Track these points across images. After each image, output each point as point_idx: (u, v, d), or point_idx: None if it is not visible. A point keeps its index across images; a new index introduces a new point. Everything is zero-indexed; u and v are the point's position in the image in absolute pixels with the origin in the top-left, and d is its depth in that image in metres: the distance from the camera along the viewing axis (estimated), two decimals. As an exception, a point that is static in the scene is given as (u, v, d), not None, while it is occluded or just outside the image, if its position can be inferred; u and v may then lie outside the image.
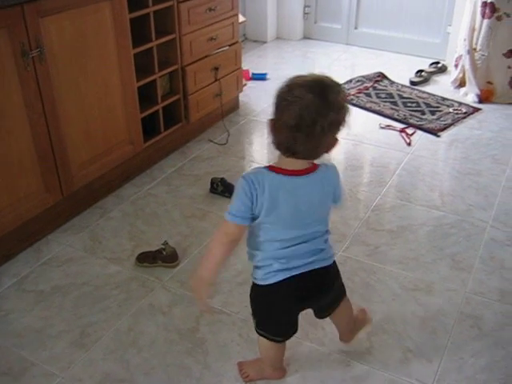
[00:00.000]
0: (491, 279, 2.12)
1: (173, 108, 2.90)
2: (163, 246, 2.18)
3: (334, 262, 1.54)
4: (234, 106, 3.52)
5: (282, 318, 1.55)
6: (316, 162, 1.38)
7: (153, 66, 2.65)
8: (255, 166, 2.97)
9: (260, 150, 3.19)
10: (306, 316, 1.65)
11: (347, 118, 1.29)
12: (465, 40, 3.64)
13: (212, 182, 2.66)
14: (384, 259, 2.22)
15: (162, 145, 2.90)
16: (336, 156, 2.97)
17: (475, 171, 2.87)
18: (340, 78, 3.74)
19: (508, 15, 3.43)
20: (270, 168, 1.34)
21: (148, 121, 2.72)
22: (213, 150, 3.08)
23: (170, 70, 2.77)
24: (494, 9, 3.44)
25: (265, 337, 1.57)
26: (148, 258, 2.17)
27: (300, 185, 1.33)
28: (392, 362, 1.77)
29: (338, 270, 1.58)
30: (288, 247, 1.39)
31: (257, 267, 1.46)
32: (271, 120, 1.30)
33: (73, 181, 2.33)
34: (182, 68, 2.84)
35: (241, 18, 3.26)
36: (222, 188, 2.63)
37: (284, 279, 1.41)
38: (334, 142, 1.32)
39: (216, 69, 3.07)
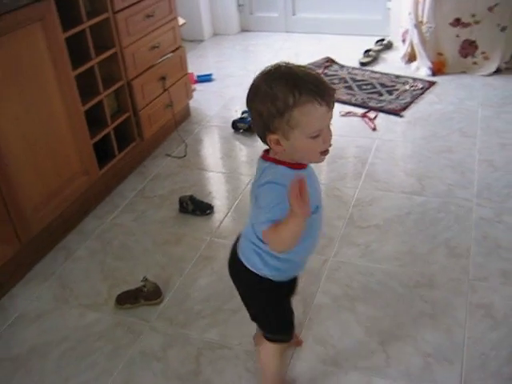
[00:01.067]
0: (491, 261, 2.04)
1: (124, 127, 2.67)
2: (143, 283, 1.99)
3: (249, 274, 1.36)
4: (186, 114, 3.32)
5: None
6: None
7: (97, 85, 2.42)
8: (219, 176, 2.80)
9: (221, 157, 3.00)
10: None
11: (271, 110, 1.13)
12: (410, 14, 3.56)
13: (181, 202, 2.47)
14: (378, 258, 2.11)
15: (117, 168, 2.67)
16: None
17: (446, 148, 2.79)
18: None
19: (450, -16, 3.37)
20: None
21: (100, 145, 2.49)
22: (172, 164, 2.88)
23: (115, 87, 2.54)
24: (435, -21, 3.38)
25: None
26: (129, 299, 1.97)
27: (258, 166, 1.32)
28: (413, 370, 1.66)
29: (251, 293, 1.44)
30: None
31: None
32: None
33: (29, 226, 2.10)
34: (128, 83, 2.62)
35: (180, 21, 3.06)
36: (192, 207, 2.44)
37: None
38: (262, 130, 1.20)
39: (163, 78, 2.86)
